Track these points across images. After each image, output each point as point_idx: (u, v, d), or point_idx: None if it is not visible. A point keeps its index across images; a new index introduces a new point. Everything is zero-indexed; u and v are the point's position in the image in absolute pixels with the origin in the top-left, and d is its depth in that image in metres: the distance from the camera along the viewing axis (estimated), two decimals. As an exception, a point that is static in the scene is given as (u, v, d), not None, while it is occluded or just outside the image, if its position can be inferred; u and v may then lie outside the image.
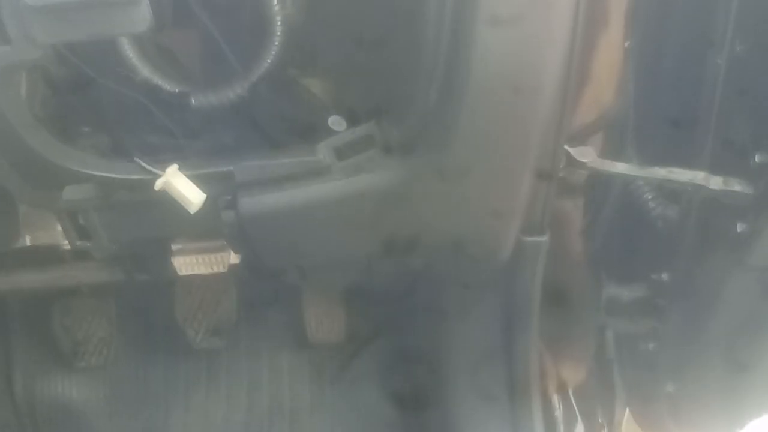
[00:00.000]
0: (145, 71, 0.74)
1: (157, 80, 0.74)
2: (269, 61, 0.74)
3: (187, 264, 0.78)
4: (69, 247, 0.79)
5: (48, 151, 0.54)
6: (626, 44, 0.87)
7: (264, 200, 0.60)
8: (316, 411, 1.23)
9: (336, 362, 1.23)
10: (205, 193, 0.60)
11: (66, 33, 0.47)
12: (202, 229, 0.68)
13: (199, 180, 0.60)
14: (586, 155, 0.88)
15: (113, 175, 0.59)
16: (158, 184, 0.58)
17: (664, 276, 0.97)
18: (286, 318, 1.19)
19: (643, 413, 1.12)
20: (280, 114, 0.78)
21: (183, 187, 0.58)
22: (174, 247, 0.78)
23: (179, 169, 0.60)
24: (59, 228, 0.78)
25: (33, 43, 0.46)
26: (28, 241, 0.78)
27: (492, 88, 0.52)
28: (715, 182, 0.81)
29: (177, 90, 0.75)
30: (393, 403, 1.21)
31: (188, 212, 0.63)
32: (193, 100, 0.74)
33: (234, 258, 0.80)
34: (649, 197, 0.94)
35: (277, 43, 0.72)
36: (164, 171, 0.59)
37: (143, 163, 0.59)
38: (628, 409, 1.15)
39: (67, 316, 1.16)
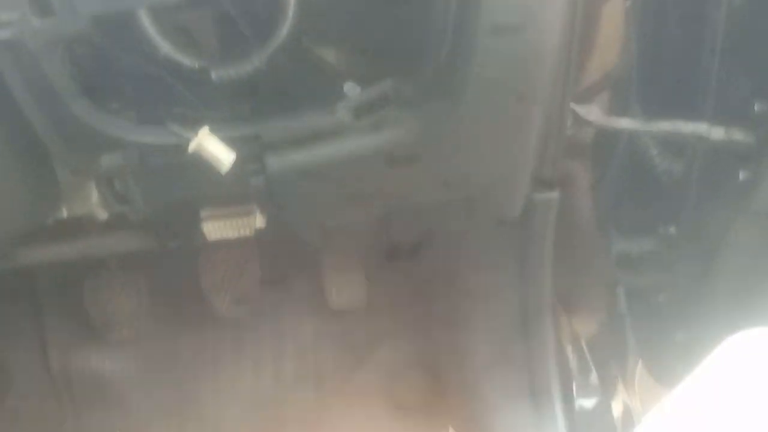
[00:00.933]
0: (165, 48, 0.77)
1: (178, 56, 0.78)
2: (284, 32, 0.77)
3: (215, 229, 0.82)
4: (104, 216, 0.83)
5: (91, 118, 0.58)
6: (627, 3, 0.91)
7: (289, 159, 0.64)
8: (340, 376, 1.27)
9: (358, 327, 1.27)
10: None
11: (106, 3, 0.50)
12: (231, 189, 0.72)
13: (227, 142, 0.64)
14: (592, 113, 0.91)
15: (149, 140, 0.63)
16: (191, 147, 0.62)
17: (672, 229, 1.01)
18: (307, 286, 1.23)
19: (654, 363, 1.15)
20: (297, 83, 0.81)
21: (214, 148, 0.62)
22: (202, 213, 0.82)
23: (209, 131, 0.64)
24: (94, 199, 0.82)
25: (75, 13, 0.50)
26: (65, 213, 0.83)
27: (499, 47, 0.55)
28: (717, 133, 0.84)
29: (197, 65, 0.78)
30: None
31: (218, 174, 0.67)
32: (213, 74, 0.78)
33: (260, 221, 0.84)
34: (655, 152, 0.98)
35: (290, 15, 0.75)
36: (196, 134, 0.63)
37: (176, 128, 0.63)
38: (640, 360, 1.18)
39: (98, 291, 1.21)
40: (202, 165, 0.66)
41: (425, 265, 1.12)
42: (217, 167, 0.63)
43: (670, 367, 1.08)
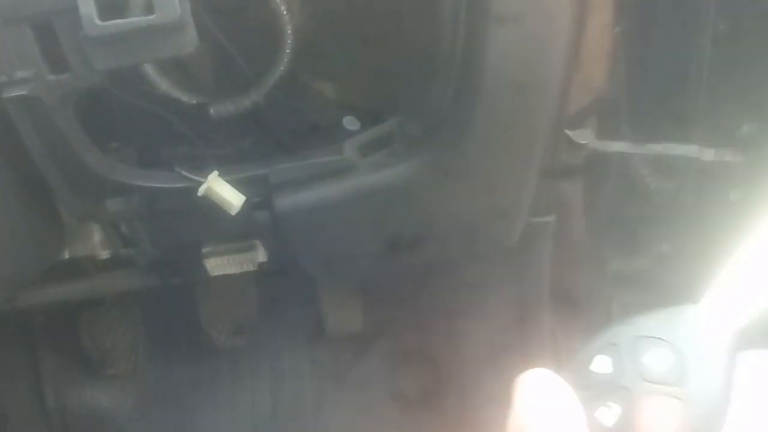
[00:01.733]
0: (164, 85, 0.78)
1: (177, 93, 0.78)
2: (282, 68, 0.78)
3: (218, 265, 0.83)
4: (107, 257, 0.83)
5: (100, 167, 0.58)
6: (616, 30, 0.93)
7: (296, 199, 0.65)
8: (336, 403, 1.27)
9: (354, 353, 1.27)
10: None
11: (121, 59, 0.51)
12: (236, 229, 0.72)
13: (235, 184, 0.65)
14: (585, 137, 0.93)
15: (157, 185, 0.63)
16: (201, 190, 0.63)
17: (664, 247, 1.02)
18: (304, 314, 1.23)
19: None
20: (295, 118, 0.82)
21: (224, 192, 0.63)
22: (204, 250, 0.83)
23: (218, 175, 0.64)
24: (96, 239, 0.82)
25: (90, 69, 0.51)
26: (66, 254, 0.83)
27: (504, 87, 0.57)
28: (708, 154, 0.86)
29: (195, 101, 0.79)
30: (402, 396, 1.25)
31: (223, 215, 0.68)
32: (211, 110, 0.78)
33: (262, 256, 0.85)
34: (646, 173, 1.00)
35: (288, 50, 0.76)
36: (206, 178, 0.63)
37: (184, 173, 0.64)
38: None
39: (94, 327, 1.20)
40: (210, 207, 0.66)
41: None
42: (227, 210, 0.63)
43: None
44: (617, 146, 0.96)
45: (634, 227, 1.06)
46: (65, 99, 0.52)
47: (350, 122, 0.78)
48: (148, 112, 0.76)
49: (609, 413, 0.27)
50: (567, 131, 0.91)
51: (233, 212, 0.63)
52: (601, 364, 0.28)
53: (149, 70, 0.77)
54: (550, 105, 0.61)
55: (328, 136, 0.76)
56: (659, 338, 0.28)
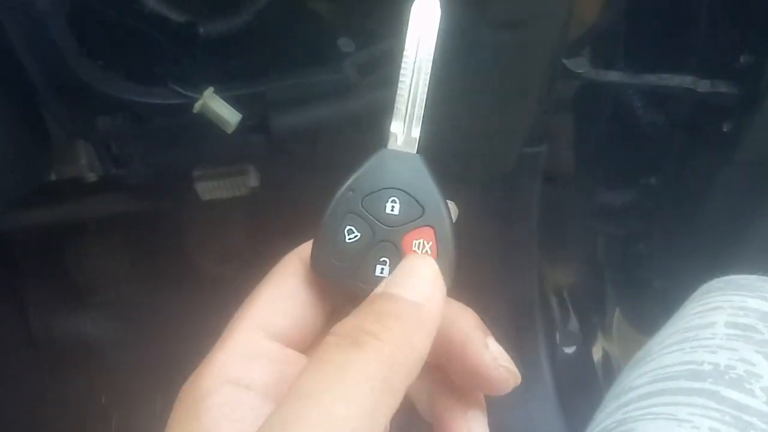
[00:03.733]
0: (151, 2, 0.75)
1: (165, 11, 0.76)
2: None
3: (209, 189, 0.82)
4: (94, 179, 0.82)
5: (93, 80, 0.56)
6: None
7: (295, 119, 0.64)
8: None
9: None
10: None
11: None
12: (230, 152, 0.71)
13: (231, 102, 0.64)
14: (581, 66, 0.92)
15: (151, 101, 0.61)
16: (196, 107, 0.61)
17: (653, 180, 1.03)
18: (292, 242, 1.23)
19: (632, 310, 1.20)
20: (292, 39, 0.80)
21: (220, 109, 0.61)
22: (195, 173, 0.81)
23: (213, 92, 0.63)
24: (83, 161, 0.80)
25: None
26: (53, 176, 0.81)
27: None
28: (703, 85, 0.86)
29: (183, 19, 0.76)
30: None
31: (217, 135, 0.66)
32: (201, 29, 0.76)
33: (254, 181, 0.84)
34: (639, 105, 0.99)
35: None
36: (201, 95, 0.62)
37: (179, 89, 0.62)
38: (618, 309, 1.23)
39: (80, 254, 1.19)
40: (204, 126, 0.65)
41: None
42: (223, 127, 0.62)
43: (647, 315, 1.12)
44: (612, 76, 0.95)
45: (624, 160, 1.07)
46: (57, 3, 0.50)
47: (345, 44, 0.76)
48: (135, 30, 0.73)
49: (385, 267, 0.30)
50: (564, 60, 0.90)
51: (229, 130, 0.62)
52: (350, 235, 0.29)
53: (136, -15, 0.74)
54: (554, 32, 0.60)
55: (323, 57, 0.74)
56: (381, 189, 0.30)
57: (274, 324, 0.30)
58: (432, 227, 0.30)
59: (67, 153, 0.76)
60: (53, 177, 0.80)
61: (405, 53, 0.30)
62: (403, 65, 0.30)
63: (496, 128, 0.75)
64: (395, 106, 0.30)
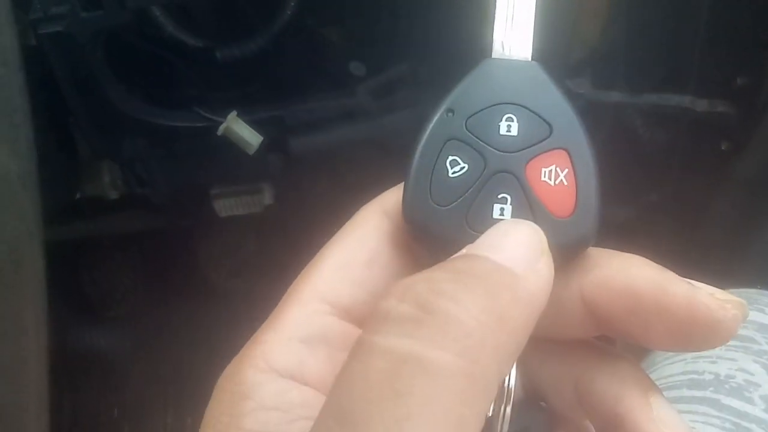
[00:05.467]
0: (170, 28, 0.78)
1: (183, 36, 0.79)
2: (288, 13, 0.79)
3: (226, 206, 0.85)
4: (116, 197, 0.85)
5: (124, 104, 0.59)
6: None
7: (311, 140, 0.67)
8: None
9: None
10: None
11: (153, -3, 0.52)
12: (248, 171, 0.74)
13: (251, 125, 0.67)
14: (582, 86, 0.96)
15: (178, 124, 0.65)
16: (221, 130, 0.64)
17: (653, 196, 1.06)
18: (301, 257, 1.25)
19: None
20: (302, 64, 0.83)
21: (242, 131, 0.64)
22: (212, 191, 0.84)
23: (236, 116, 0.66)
24: (106, 180, 0.84)
25: (122, 7, 0.52)
26: (77, 194, 0.84)
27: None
28: (702, 105, 0.89)
29: (201, 45, 0.80)
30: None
31: (237, 156, 0.70)
32: (218, 54, 0.79)
33: (268, 198, 0.87)
34: (639, 124, 1.02)
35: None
36: (224, 118, 0.65)
37: (204, 113, 0.65)
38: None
39: (93, 269, 1.22)
40: (225, 148, 0.68)
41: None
42: (245, 149, 0.65)
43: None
44: (613, 96, 0.98)
45: (624, 177, 1.10)
46: (96, 36, 0.53)
47: (356, 68, 0.80)
48: (157, 55, 0.77)
49: (506, 207, 0.22)
50: (566, 81, 0.93)
51: (251, 152, 0.65)
52: (454, 167, 0.22)
53: (156, 11, 0.78)
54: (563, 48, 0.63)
55: (336, 81, 0.78)
56: (492, 106, 0.22)
57: (343, 296, 0.23)
58: (565, 149, 0.22)
59: (91, 172, 0.79)
60: (77, 195, 0.83)
61: None
62: None
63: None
64: (496, 7, 0.23)
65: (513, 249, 0.20)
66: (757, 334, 0.56)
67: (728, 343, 0.56)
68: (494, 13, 0.23)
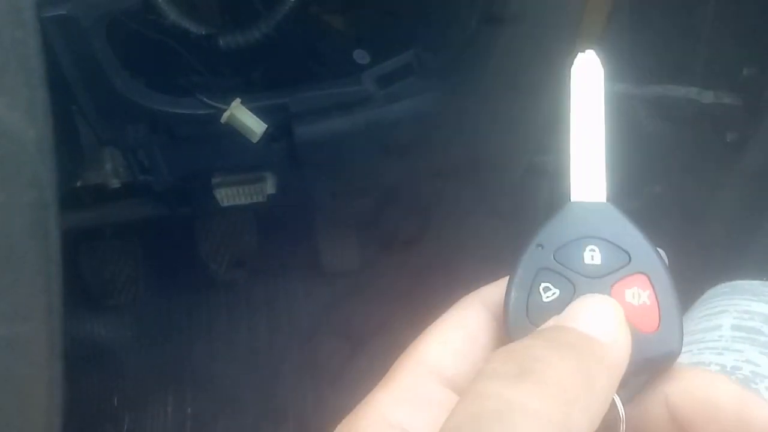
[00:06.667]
0: (172, 15, 0.78)
1: (185, 23, 0.78)
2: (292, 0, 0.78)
3: (229, 195, 0.84)
4: (117, 184, 0.84)
5: (128, 90, 0.59)
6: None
7: (316, 128, 0.66)
8: (332, 329, 1.31)
9: (349, 286, 1.30)
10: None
11: (157, -21, 0.51)
12: (251, 159, 0.74)
13: (255, 112, 0.66)
14: (588, 77, 0.95)
15: (181, 111, 0.64)
16: (224, 117, 0.64)
17: (658, 188, 1.06)
18: (300, 250, 1.25)
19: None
20: (306, 51, 0.83)
21: (246, 119, 0.64)
22: (214, 180, 0.84)
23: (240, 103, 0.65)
24: (108, 168, 0.83)
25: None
26: (78, 182, 0.84)
27: (526, 16, 0.58)
28: (707, 96, 0.89)
29: (204, 32, 0.79)
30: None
31: (240, 143, 0.69)
32: (221, 41, 0.78)
33: (271, 188, 0.86)
34: (645, 115, 1.02)
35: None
36: (228, 105, 0.64)
37: (207, 100, 0.64)
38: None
39: (94, 258, 1.22)
40: (228, 135, 0.67)
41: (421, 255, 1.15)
42: (249, 137, 0.65)
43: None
44: (618, 87, 0.98)
45: (629, 169, 1.09)
46: (100, 20, 0.53)
47: (360, 56, 0.79)
48: (160, 42, 0.76)
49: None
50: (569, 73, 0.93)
51: (255, 140, 0.65)
52: (546, 293, 0.25)
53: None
54: (567, 37, 0.62)
55: (339, 69, 0.77)
56: (576, 239, 0.26)
57: (447, 368, 0.26)
58: (645, 273, 0.25)
59: (93, 160, 0.79)
60: (78, 183, 0.82)
61: (573, 105, 0.28)
62: (572, 117, 0.28)
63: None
64: (571, 156, 0.27)
65: (596, 320, 0.23)
66: (763, 325, 0.56)
67: (734, 335, 0.55)
68: (569, 159, 0.27)
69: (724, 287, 0.63)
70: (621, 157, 0.92)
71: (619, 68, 1.03)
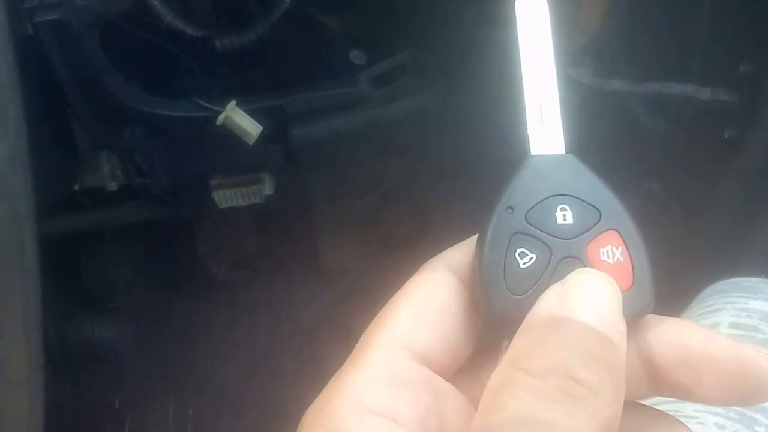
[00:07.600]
0: (168, 16, 0.78)
1: (181, 25, 0.78)
2: (288, 0, 0.78)
3: (226, 197, 0.84)
4: (115, 188, 0.84)
5: (122, 93, 0.59)
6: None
7: (311, 129, 0.66)
8: (332, 329, 1.31)
9: (349, 286, 1.30)
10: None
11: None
12: (248, 160, 0.74)
13: (251, 114, 0.66)
14: (584, 75, 0.95)
15: (177, 114, 0.64)
16: (220, 119, 0.64)
17: (656, 185, 1.06)
18: (300, 250, 1.25)
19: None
20: (302, 52, 0.83)
21: (242, 121, 0.64)
22: (212, 182, 0.84)
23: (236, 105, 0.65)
24: (105, 171, 0.83)
25: (119, -6, 0.51)
26: (76, 186, 0.84)
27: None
28: (705, 93, 0.89)
29: (200, 34, 0.79)
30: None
31: (236, 146, 0.69)
32: (217, 43, 0.78)
33: (269, 189, 0.86)
34: (642, 112, 1.02)
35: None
36: (223, 108, 0.64)
37: (202, 102, 0.64)
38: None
39: (94, 260, 1.22)
40: (224, 137, 0.67)
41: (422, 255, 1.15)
42: (245, 139, 0.65)
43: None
44: (615, 84, 0.97)
45: (627, 166, 1.09)
46: (93, 24, 0.53)
47: (356, 56, 0.79)
48: (156, 44, 0.76)
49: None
50: (567, 69, 0.93)
51: (251, 141, 0.65)
52: (523, 259, 0.25)
53: (154, 0, 0.77)
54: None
55: (336, 70, 0.77)
56: (546, 199, 0.25)
57: (420, 343, 0.24)
58: (615, 230, 0.25)
59: (90, 163, 0.79)
60: (76, 187, 0.83)
61: (522, 52, 0.27)
62: (522, 64, 0.27)
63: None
64: (526, 108, 0.27)
65: (600, 311, 0.23)
66: (761, 323, 0.55)
67: (732, 333, 0.55)
68: (525, 113, 0.27)
69: (722, 284, 0.63)
70: (619, 154, 0.92)
71: (616, 66, 1.02)
